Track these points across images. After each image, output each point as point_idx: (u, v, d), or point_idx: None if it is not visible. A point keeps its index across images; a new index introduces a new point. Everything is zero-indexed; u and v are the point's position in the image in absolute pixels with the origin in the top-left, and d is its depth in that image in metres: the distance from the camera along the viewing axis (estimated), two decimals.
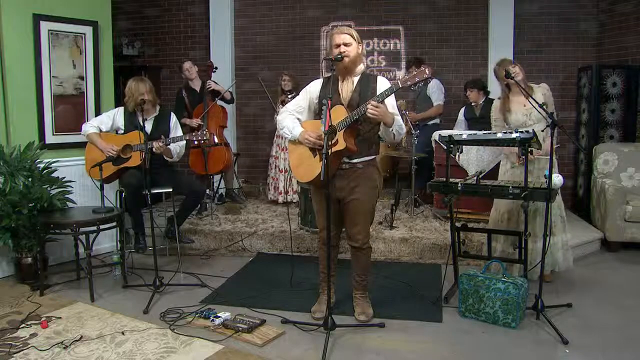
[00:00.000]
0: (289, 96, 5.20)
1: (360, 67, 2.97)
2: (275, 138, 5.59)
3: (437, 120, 5.60)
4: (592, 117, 5.30)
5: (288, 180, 5.47)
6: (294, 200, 5.41)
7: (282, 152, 5.47)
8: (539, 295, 3.03)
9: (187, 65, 5.37)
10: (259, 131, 6.67)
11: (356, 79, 2.93)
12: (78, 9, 4.24)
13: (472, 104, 5.30)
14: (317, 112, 3.02)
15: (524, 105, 3.51)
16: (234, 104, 5.93)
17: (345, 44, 2.85)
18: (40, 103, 4.07)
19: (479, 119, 5.15)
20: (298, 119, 3.03)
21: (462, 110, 5.44)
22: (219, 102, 5.40)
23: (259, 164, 6.64)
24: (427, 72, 2.65)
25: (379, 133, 2.96)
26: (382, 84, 2.90)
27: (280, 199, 5.48)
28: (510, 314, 2.97)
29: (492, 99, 5.33)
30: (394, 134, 2.87)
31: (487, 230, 3.55)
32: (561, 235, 3.61)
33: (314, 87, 3.04)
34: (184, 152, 4.19)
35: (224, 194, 5.93)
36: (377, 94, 2.84)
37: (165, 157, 4.01)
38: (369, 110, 2.67)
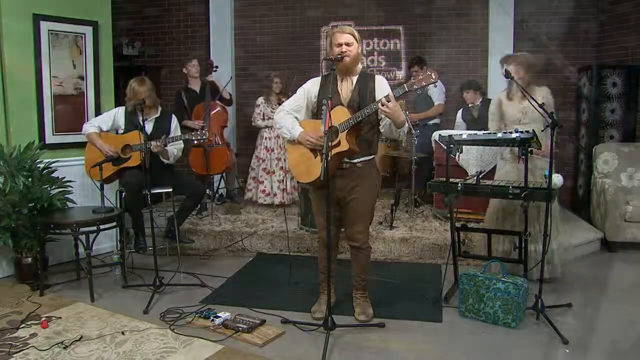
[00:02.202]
0: (282, 98, 5.21)
1: (359, 67, 2.97)
2: (261, 139, 5.53)
3: (437, 120, 5.60)
4: (592, 117, 5.30)
5: (283, 181, 5.45)
6: (286, 202, 5.40)
7: (268, 153, 5.45)
8: (539, 295, 3.03)
9: (194, 62, 5.37)
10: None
11: (355, 79, 2.93)
12: (78, 9, 4.24)
13: (470, 105, 5.29)
14: (315, 112, 3.01)
15: (520, 103, 3.53)
16: (232, 106, 5.91)
17: (347, 44, 2.84)
18: (40, 103, 4.07)
19: (477, 120, 5.14)
20: (296, 117, 3.03)
21: (460, 112, 5.41)
22: (218, 102, 5.40)
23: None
24: (433, 76, 2.65)
25: (380, 129, 2.95)
26: (381, 83, 2.91)
27: (270, 201, 5.44)
28: (510, 314, 2.97)
29: (490, 99, 5.35)
30: (398, 132, 2.87)
31: (487, 230, 3.54)
32: (535, 244, 3.49)
33: (312, 86, 3.03)
34: (180, 154, 4.19)
35: (224, 194, 5.93)
36: (376, 93, 2.84)
37: (162, 158, 4.01)
38: (382, 109, 2.66)
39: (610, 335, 2.88)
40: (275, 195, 5.42)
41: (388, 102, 2.65)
